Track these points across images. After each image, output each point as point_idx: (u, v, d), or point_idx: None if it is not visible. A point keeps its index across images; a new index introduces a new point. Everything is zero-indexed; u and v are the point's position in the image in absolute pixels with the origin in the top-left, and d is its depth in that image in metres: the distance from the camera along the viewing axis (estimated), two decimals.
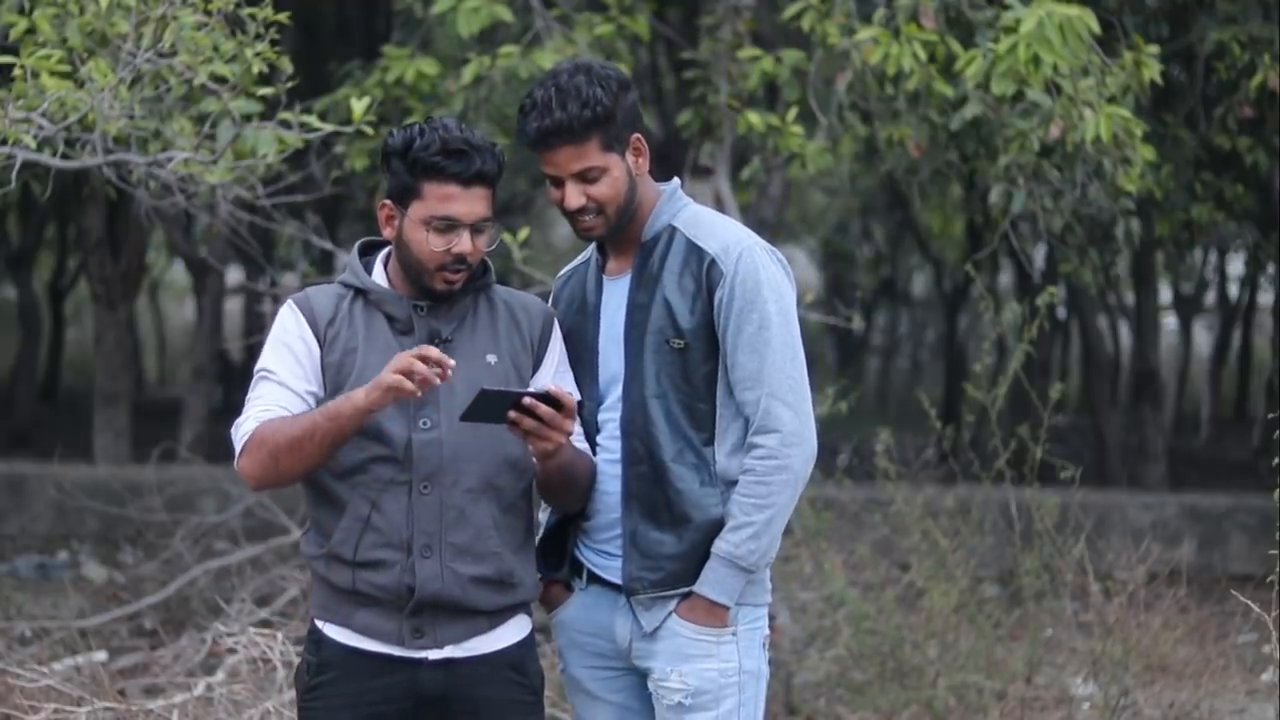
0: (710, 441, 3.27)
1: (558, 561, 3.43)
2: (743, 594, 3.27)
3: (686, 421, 3.26)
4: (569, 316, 3.42)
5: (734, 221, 3.37)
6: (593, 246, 3.43)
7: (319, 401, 3.23)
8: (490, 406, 3.07)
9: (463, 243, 3.20)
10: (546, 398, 3.08)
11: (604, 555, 3.35)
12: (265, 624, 6.23)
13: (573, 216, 3.28)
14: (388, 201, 3.28)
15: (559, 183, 3.27)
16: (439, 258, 3.21)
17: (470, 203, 3.20)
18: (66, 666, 6.00)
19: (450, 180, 3.19)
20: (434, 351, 3.04)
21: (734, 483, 3.26)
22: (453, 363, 3.05)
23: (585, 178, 3.24)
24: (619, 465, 3.31)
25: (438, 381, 3.04)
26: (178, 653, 6.49)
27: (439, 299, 3.26)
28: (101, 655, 6.40)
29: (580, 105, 3.20)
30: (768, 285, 3.24)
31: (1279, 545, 4.85)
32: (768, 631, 3.38)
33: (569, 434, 3.14)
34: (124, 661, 6.60)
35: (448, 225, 3.20)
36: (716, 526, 3.25)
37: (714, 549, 3.24)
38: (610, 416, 3.33)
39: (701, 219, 3.34)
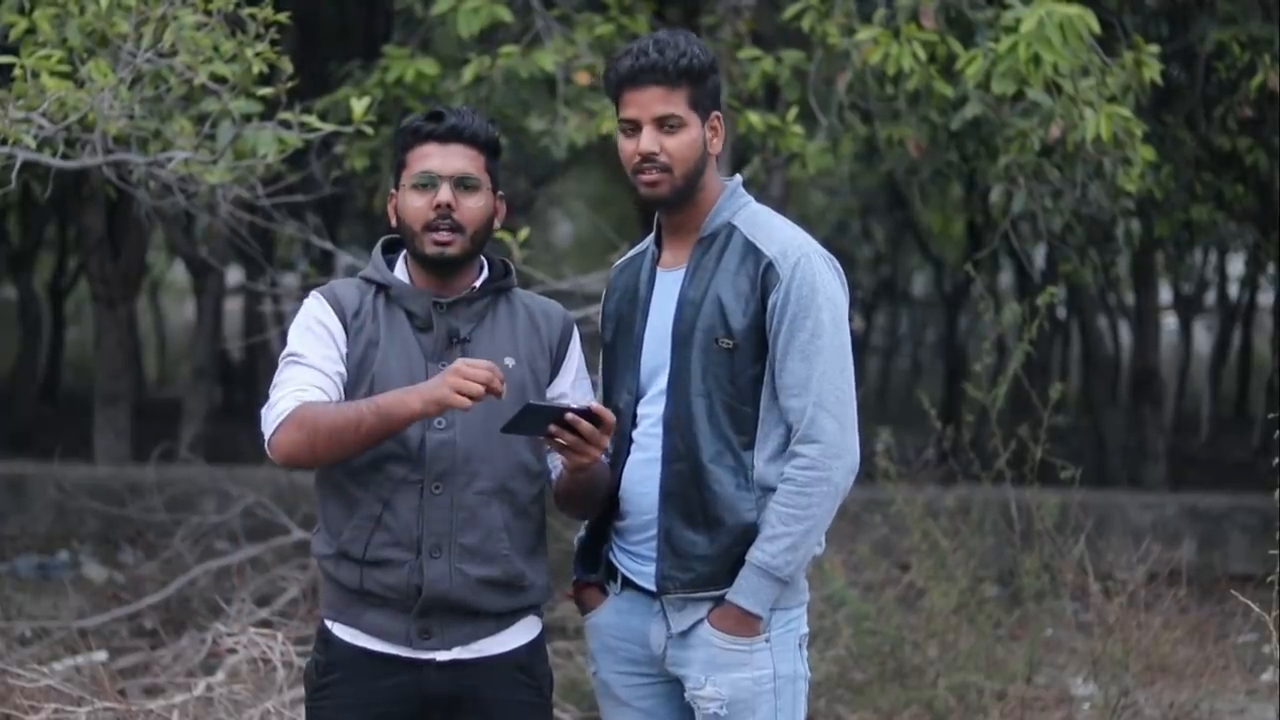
0: (750, 446, 3.24)
1: (593, 564, 3.41)
2: (777, 599, 3.23)
3: (728, 423, 3.23)
4: (620, 305, 3.40)
5: (793, 224, 3.33)
6: (650, 237, 3.41)
7: (346, 386, 3.22)
8: (532, 420, 3.07)
9: (441, 193, 3.21)
10: (588, 414, 3.08)
11: (638, 559, 3.32)
12: (265, 624, 6.22)
13: (640, 166, 3.24)
14: (392, 190, 3.31)
15: (635, 128, 3.24)
16: (423, 214, 3.22)
17: (447, 157, 3.23)
18: (67, 666, 6.00)
19: (427, 140, 3.24)
20: (499, 373, 3.05)
21: (770, 489, 3.22)
22: (501, 388, 3.06)
23: (666, 124, 3.22)
24: (658, 463, 3.27)
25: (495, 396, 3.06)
26: (178, 653, 6.49)
27: (440, 270, 3.24)
28: (102, 655, 6.40)
29: (678, 54, 3.21)
30: (823, 293, 3.21)
31: (1279, 545, 4.85)
32: (806, 630, 3.33)
33: (605, 450, 3.14)
34: (124, 661, 6.59)
35: (427, 179, 3.22)
36: (748, 531, 3.21)
37: (749, 557, 3.20)
38: (649, 411, 3.30)
39: (761, 219, 3.31)
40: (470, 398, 3.03)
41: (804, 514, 3.19)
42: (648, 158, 3.23)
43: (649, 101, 3.22)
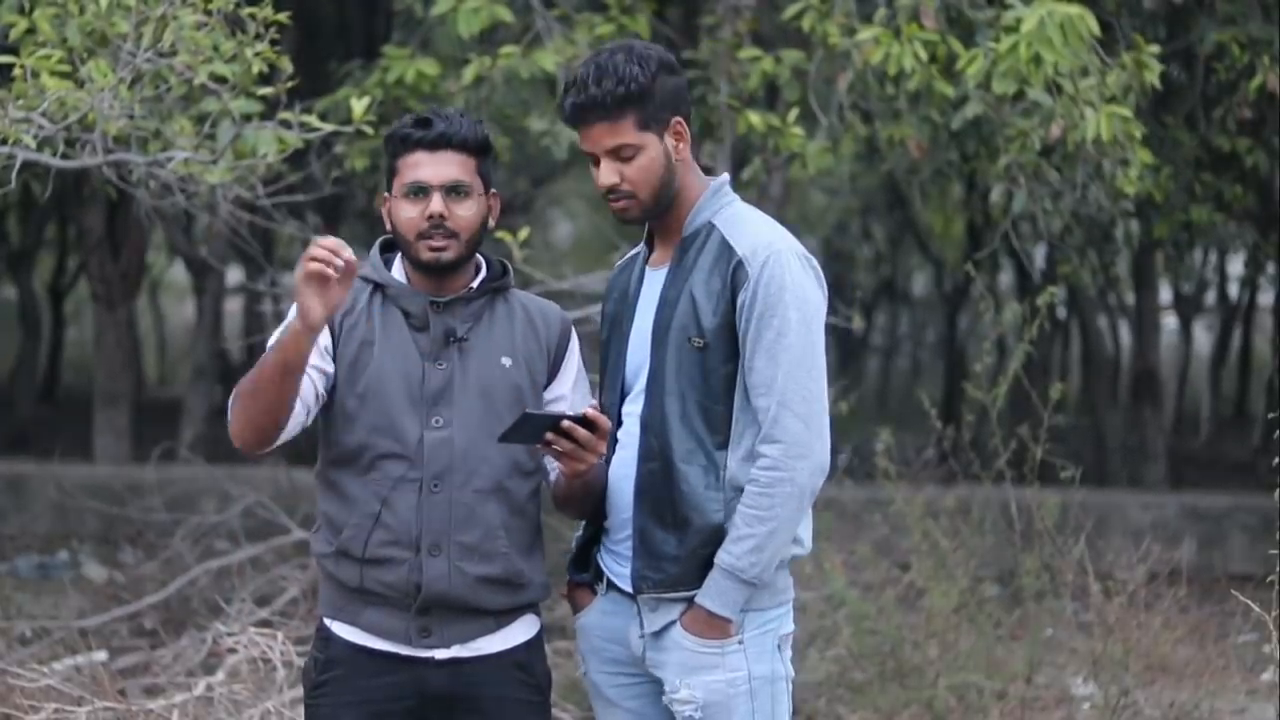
0: (724, 445, 3.22)
1: (585, 565, 3.41)
2: (749, 600, 3.22)
3: (701, 422, 3.22)
4: (615, 305, 3.41)
5: (773, 223, 3.32)
6: (644, 237, 3.42)
7: (329, 379, 3.22)
8: (530, 428, 3.08)
9: (433, 204, 3.21)
10: (584, 421, 3.08)
11: (618, 560, 3.32)
12: (265, 624, 6.22)
13: (607, 196, 3.26)
14: (385, 194, 3.31)
15: (595, 160, 3.26)
16: (416, 224, 3.22)
17: (437, 165, 3.23)
18: (66, 666, 6.00)
19: (416, 147, 3.24)
20: (328, 240, 2.99)
21: (741, 490, 3.21)
22: (349, 252, 2.98)
23: (619, 155, 3.22)
24: (634, 462, 3.27)
25: (340, 262, 2.96)
26: (178, 653, 6.49)
27: (438, 275, 3.25)
28: (101, 655, 6.40)
29: (615, 81, 3.19)
30: (791, 291, 3.19)
31: (1279, 545, 4.85)
32: (789, 629, 3.32)
33: (601, 456, 3.15)
34: (124, 661, 6.59)
35: (418, 189, 3.23)
36: (716, 532, 3.20)
37: (716, 559, 3.19)
38: (631, 410, 3.30)
39: (740, 218, 3.30)
40: (320, 275, 2.94)
41: (767, 515, 3.17)
42: (610, 189, 3.25)
43: (597, 136, 3.23)
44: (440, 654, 3.23)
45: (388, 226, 3.31)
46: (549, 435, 3.08)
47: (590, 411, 3.10)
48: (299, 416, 3.17)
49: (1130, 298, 14.71)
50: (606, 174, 3.24)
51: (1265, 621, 4.91)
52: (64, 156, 5.29)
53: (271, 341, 3.14)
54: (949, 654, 6.16)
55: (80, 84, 5.04)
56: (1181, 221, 9.18)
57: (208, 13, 5.06)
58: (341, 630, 3.26)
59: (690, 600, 3.22)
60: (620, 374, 3.34)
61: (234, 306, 17.76)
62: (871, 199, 17.50)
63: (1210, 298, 19.68)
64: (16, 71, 4.96)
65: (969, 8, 6.62)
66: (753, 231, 3.27)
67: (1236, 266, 17.50)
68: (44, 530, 10.11)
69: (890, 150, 7.21)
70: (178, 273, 22.23)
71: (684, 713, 3.24)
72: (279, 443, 3.21)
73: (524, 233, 6.39)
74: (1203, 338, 21.72)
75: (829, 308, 3.35)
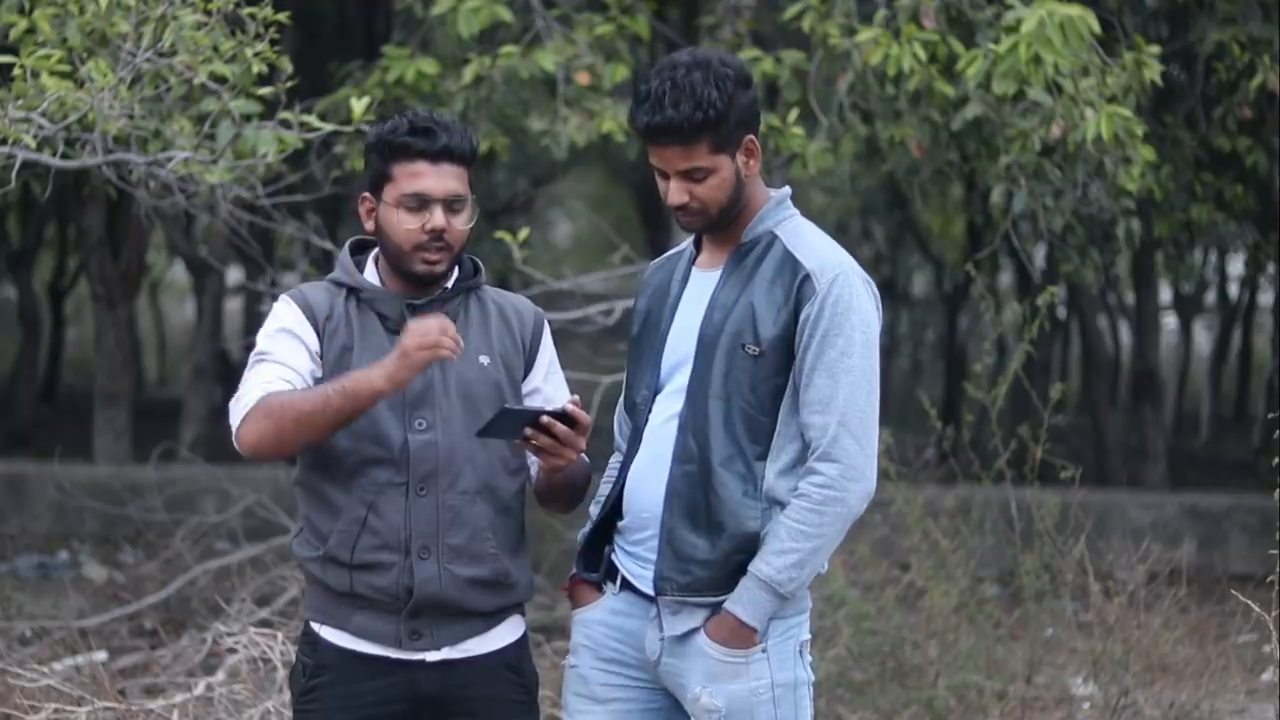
0: (763, 456, 3.20)
1: (594, 563, 3.38)
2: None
3: (744, 430, 3.19)
4: (650, 302, 3.37)
5: (834, 242, 3.31)
6: (690, 239, 3.39)
7: (319, 384, 3.20)
8: (507, 423, 3.07)
9: (435, 218, 3.19)
10: (563, 416, 3.07)
11: (639, 562, 3.28)
12: (265, 624, 6.23)
13: (675, 209, 3.24)
14: (366, 194, 3.28)
15: (665, 175, 3.23)
16: (414, 236, 3.20)
17: (440, 178, 3.20)
18: (66, 666, 6.00)
19: (417, 157, 3.20)
20: (450, 324, 3.06)
21: (778, 502, 3.18)
22: (456, 339, 3.08)
23: (691, 177, 3.19)
24: (666, 461, 3.23)
25: (453, 355, 3.07)
26: (178, 653, 6.49)
27: (423, 284, 3.24)
28: (101, 655, 6.40)
29: (693, 106, 3.13)
30: (858, 313, 3.18)
31: (1279, 545, 4.85)
32: (808, 636, 3.30)
33: (581, 451, 3.14)
34: (124, 661, 6.60)
35: (419, 202, 3.19)
36: (749, 540, 3.17)
37: (752, 568, 3.16)
38: (664, 408, 3.27)
39: (804, 232, 3.28)
40: (435, 352, 3.04)
41: (815, 532, 3.16)
42: (679, 207, 3.22)
43: (670, 158, 3.19)
44: (431, 656, 3.22)
45: (368, 228, 3.29)
46: (528, 431, 3.08)
47: (570, 407, 3.09)
48: None
49: (1130, 298, 14.72)
50: (676, 194, 3.20)
51: (1265, 621, 4.91)
52: (64, 156, 5.29)
53: (342, 385, 3.09)
54: (949, 654, 6.15)
55: (80, 84, 5.04)
56: (1182, 221, 9.18)
57: (208, 13, 5.06)
58: (330, 635, 3.25)
59: (714, 606, 3.20)
60: (655, 371, 3.30)
61: (234, 306, 17.75)
62: (871, 199, 17.48)
63: (1210, 298, 19.69)
64: (16, 71, 4.96)
65: (969, 8, 6.63)
66: (819, 248, 3.25)
67: (1236, 266, 17.51)
68: (44, 530, 10.11)
69: (890, 150, 7.21)
70: (178, 273, 22.23)
71: None
72: None
73: (524, 233, 6.39)
74: (1203, 338, 21.72)
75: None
